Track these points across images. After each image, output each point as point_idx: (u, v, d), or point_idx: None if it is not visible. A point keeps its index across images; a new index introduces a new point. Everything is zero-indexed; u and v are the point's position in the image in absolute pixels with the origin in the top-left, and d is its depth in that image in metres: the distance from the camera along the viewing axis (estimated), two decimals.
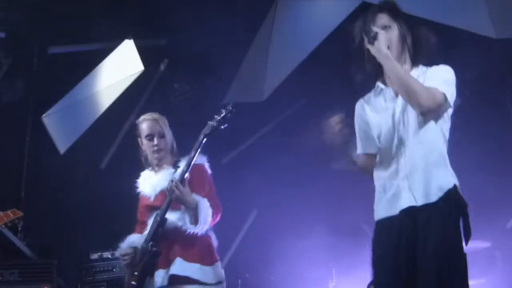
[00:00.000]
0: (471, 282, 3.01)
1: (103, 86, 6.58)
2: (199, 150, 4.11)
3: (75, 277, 5.49)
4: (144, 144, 4.39)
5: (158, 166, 4.39)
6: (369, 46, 3.12)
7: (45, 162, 6.42)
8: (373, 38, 3.10)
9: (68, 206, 6.25)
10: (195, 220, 4.10)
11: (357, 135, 3.41)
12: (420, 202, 3.07)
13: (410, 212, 3.08)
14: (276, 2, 6.07)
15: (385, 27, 3.23)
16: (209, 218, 4.12)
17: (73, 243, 6.11)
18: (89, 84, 6.54)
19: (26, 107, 6.56)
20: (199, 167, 4.27)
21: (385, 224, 3.17)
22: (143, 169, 4.46)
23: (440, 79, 3.15)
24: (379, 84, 3.32)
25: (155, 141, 4.34)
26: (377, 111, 3.30)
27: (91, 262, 5.51)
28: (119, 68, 6.50)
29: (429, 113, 3.11)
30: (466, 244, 3.07)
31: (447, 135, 3.22)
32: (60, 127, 6.59)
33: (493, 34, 5.42)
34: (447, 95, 3.13)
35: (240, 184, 6.70)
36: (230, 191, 6.66)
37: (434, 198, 3.06)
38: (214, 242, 4.29)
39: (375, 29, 3.14)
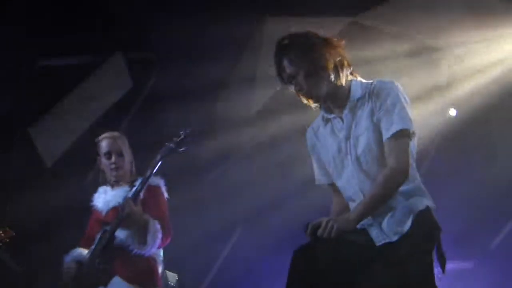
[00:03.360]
0: None
1: (91, 99, 6.56)
2: (155, 170, 4.13)
3: None
4: (103, 162, 4.41)
5: (115, 183, 4.40)
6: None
7: (31, 175, 6.40)
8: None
9: (53, 219, 6.22)
10: (143, 240, 4.09)
11: (314, 166, 3.29)
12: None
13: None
14: (265, 19, 6.10)
15: (292, 78, 3.04)
16: (158, 240, 4.11)
17: (59, 256, 6.07)
18: (77, 97, 6.53)
19: (14, 120, 6.53)
20: (155, 189, 4.31)
21: None
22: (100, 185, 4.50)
23: (395, 118, 2.94)
24: (323, 114, 3.17)
25: (113, 159, 4.36)
26: (326, 145, 3.17)
27: None
28: (108, 82, 6.50)
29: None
30: (443, 271, 2.99)
31: (413, 152, 3.06)
32: (47, 140, 6.57)
33: None
34: (409, 128, 2.96)
35: (224, 201, 6.70)
36: (214, 208, 6.71)
37: (406, 228, 2.92)
38: (159, 265, 4.28)
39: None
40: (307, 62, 3.02)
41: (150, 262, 4.22)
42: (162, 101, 6.82)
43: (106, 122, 6.39)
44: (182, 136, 4.16)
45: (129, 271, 4.13)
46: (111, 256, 4.14)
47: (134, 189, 4.17)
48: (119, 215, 4.12)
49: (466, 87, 6.17)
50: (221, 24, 5.89)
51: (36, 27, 5.94)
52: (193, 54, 6.26)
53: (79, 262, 4.24)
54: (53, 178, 6.36)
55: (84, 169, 6.69)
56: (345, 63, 3.09)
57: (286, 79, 3.08)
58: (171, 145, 4.16)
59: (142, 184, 4.14)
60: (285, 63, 3.05)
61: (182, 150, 4.16)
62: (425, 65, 6.13)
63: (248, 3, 5.87)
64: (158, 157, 4.18)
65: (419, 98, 5.87)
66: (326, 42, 3.07)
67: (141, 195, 4.21)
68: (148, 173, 4.16)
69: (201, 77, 6.49)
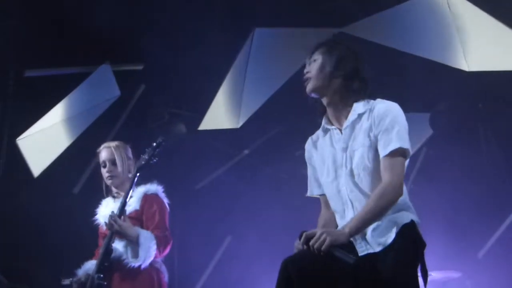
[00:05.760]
0: None
1: (79, 110, 6.57)
2: (134, 184, 4.16)
3: None
4: (102, 172, 4.46)
5: (117, 194, 4.44)
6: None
7: (19, 185, 6.38)
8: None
9: (40, 230, 6.19)
10: (135, 254, 4.11)
11: (308, 176, 3.36)
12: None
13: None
14: (253, 31, 6.14)
15: (310, 61, 3.24)
16: (152, 251, 4.11)
17: (45, 268, 6.05)
18: (65, 108, 6.53)
19: (1, 130, 6.52)
20: (152, 198, 4.32)
21: None
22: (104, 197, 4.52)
23: (393, 136, 3.03)
24: (324, 124, 3.27)
25: (107, 168, 4.38)
26: (323, 154, 3.24)
27: None
28: (96, 92, 6.51)
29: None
30: (425, 286, 3.02)
31: (405, 170, 3.11)
32: (34, 151, 6.56)
33: (466, 66, 5.55)
34: (406, 148, 3.04)
35: (213, 210, 6.71)
36: (204, 217, 6.71)
37: (389, 240, 2.96)
38: (163, 275, 4.27)
39: None
40: (329, 57, 3.17)
41: (151, 273, 4.20)
42: (150, 110, 6.85)
43: (95, 132, 6.40)
44: (154, 148, 4.19)
45: (127, 285, 4.12)
46: (107, 270, 4.13)
47: (119, 204, 4.19)
48: (109, 231, 4.13)
49: None
50: (210, 35, 5.93)
51: (23, 38, 5.94)
52: (181, 65, 6.28)
53: (89, 275, 4.22)
54: (42, 188, 6.33)
55: (73, 179, 6.70)
56: (361, 84, 3.18)
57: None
58: (145, 157, 4.20)
59: (125, 198, 4.16)
60: (315, 53, 3.23)
61: (155, 162, 4.19)
62: None
63: (236, 15, 5.90)
64: (135, 170, 4.22)
65: None
66: (357, 60, 3.22)
67: (138, 206, 4.23)
68: (128, 187, 4.19)
69: (189, 87, 6.51)
